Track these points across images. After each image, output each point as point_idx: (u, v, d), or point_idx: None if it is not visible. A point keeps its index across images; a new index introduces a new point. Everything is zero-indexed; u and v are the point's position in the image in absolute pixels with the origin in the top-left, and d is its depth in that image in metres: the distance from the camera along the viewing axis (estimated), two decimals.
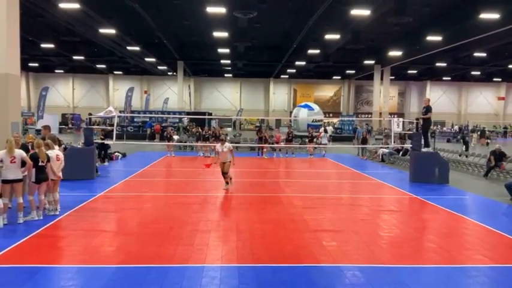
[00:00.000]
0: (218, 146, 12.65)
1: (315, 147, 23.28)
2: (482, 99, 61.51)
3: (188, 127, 31.35)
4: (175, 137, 24.66)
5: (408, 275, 6.07)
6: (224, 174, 12.37)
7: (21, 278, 5.68)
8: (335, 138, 34.52)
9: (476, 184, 14.69)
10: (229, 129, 46.45)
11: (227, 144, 12.59)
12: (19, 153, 8.17)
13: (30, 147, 9.33)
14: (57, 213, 9.00)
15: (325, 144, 23.85)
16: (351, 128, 40.12)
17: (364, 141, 22.82)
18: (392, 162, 20.46)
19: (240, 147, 25.81)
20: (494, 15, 21.66)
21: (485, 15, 21.76)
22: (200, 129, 23.84)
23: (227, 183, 12.39)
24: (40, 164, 8.37)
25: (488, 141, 36.55)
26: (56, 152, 9.16)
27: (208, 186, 13.40)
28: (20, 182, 8.24)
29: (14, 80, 12.13)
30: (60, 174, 9.19)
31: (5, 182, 7.98)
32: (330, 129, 34.58)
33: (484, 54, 36.56)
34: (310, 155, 22.99)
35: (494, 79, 56.53)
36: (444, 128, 49.19)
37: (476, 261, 6.66)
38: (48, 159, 8.62)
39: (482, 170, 16.53)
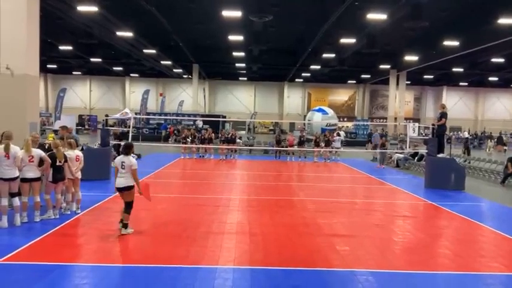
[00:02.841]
0: (118, 160, 7.89)
1: (330, 151, 23.18)
2: (500, 105, 60.53)
3: (178, 131, 31.52)
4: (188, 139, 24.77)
5: (422, 281, 6.01)
6: (126, 210, 7.70)
7: (37, 275, 5.78)
8: (349, 143, 34.34)
9: (492, 191, 14.47)
10: (243, 132, 46.50)
11: (131, 159, 7.74)
12: (37, 152, 8.33)
13: (47, 147, 9.50)
14: (79, 211, 9.19)
15: (338, 148, 23.71)
16: (365, 132, 39.86)
17: (383, 147, 22.26)
18: (407, 168, 20.26)
19: (253, 149, 25.88)
20: None
21: (503, 20, 21.49)
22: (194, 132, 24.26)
23: (124, 225, 7.71)
24: (57, 163, 8.52)
25: (506, 148, 35.95)
26: (76, 153, 9.32)
27: (221, 188, 13.45)
28: (39, 181, 8.40)
29: (33, 81, 12.37)
30: (79, 174, 9.32)
31: (24, 180, 8.16)
32: (342, 133, 34.40)
33: (502, 60, 36.02)
34: (324, 159, 22.95)
35: None
36: (460, 134, 48.50)
37: (492, 269, 6.56)
38: (66, 159, 8.76)
39: (499, 177, 16.28)
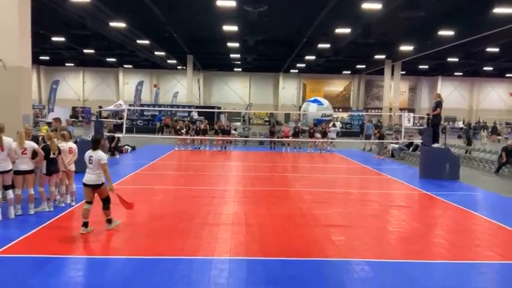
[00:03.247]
0: (86, 155, 7.46)
1: (325, 142, 23.19)
2: (495, 95, 60.68)
3: (170, 124, 31.40)
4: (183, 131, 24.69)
5: (418, 270, 6.03)
6: (105, 206, 7.50)
7: (32, 268, 5.77)
8: (344, 134, 34.44)
9: (487, 180, 14.54)
10: (238, 123, 46.41)
11: (99, 153, 7.41)
12: (30, 144, 8.26)
13: (41, 139, 9.40)
14: (73, 203, 9.17)
15: (333, 138, 23.70)
16: (360, 123, 39.91)
17: (382, 138, 21.78)
18: (402, 158, 20.31)
19: (249, 141, 25.86)
20: (508, 10, 21.29)
21: (499, 10, 21.42)
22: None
23: (108, 220, 7.52)
24: (51, 156, 8.45)
25: (500, 137, 36.10)
26: (69, 145, 9.24)
27: (217, 179, 13.42)
28: (32, 173, 8.35)
29: (26, 72, 12.22)
30: (73, 166, 9.25)
31: (17, 173, 8.09)
32: (338, 124, 34.46)
33: (496, 50, 36.02)
34: (319, 150, 22.97)
35: (507, 75, 55.71)
36: (455, 124, 48.63)
37: (487, 258, 6.60)
38: (59, 151, 8.70)
39: (494, 166, 16.36)
